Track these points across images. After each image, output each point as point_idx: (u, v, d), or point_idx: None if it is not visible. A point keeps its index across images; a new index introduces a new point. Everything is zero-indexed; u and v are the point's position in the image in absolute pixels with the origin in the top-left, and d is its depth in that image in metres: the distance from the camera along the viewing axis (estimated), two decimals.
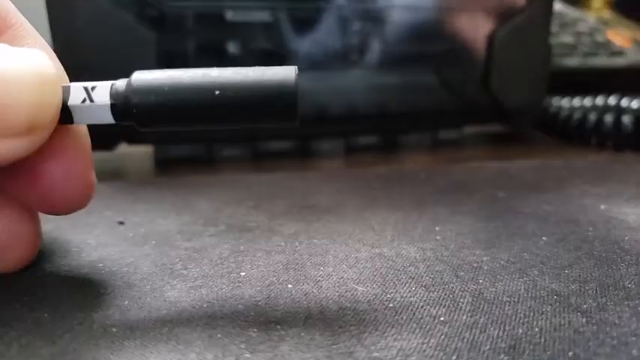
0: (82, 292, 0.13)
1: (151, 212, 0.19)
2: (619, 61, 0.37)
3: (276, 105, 0.12)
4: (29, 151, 0.12)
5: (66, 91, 0.12)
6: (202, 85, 0.12)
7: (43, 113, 0.11)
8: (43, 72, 0.11)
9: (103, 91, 0.12)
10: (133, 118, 0.12)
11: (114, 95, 0.12)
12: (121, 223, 0.18)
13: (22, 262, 0.14)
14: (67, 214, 0.14)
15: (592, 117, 0.30)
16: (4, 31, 0.13)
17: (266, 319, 0.11)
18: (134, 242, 0.16)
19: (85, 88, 0.12)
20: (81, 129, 0.13)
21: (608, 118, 0.29)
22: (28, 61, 0.11)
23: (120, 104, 0.12)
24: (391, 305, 0.12)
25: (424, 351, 0.10)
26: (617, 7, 0.47)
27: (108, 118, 0.12)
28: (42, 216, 0.14)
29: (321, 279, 0.13)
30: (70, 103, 0.12)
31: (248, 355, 0.10)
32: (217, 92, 0.11)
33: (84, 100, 0.12)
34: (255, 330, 0.11)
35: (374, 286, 0.13)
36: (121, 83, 0.12)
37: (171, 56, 0.25)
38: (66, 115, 0.12)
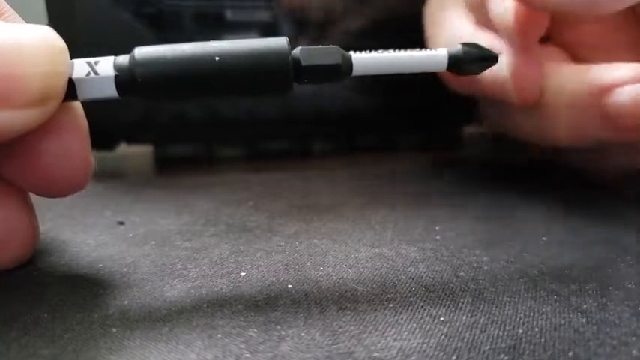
0: (82, 292, 0.13)
1: (151, 212, 0.19)
2: None
3: (272, 70, 0.12)
4: (40, 122, 0.12)
5: (70, 66, 0.12)
6: (203, 54, 0.12)
7: (54, 82, 0.12)
8: (53, 43, 0.12)
9: (106, 64, 0.12)
10: (137, 89, 0.12)
11: (117, 67, 0.12)
12: (121, 223, 0.18)
13: (20, 258, 0.14)
14: (65, 195, 0.14)
15: None
16: None
17: (266, 319, 0.11)
18: (134, 242, 0.16)
19: (89, 63, 0.12)
20: (78, 109, 0.13)
21: None
22: (38, 34, 0.12)
23: (124, 76, 0.12)
24: (391, 305, 0.12)
25: (424, 351, 0.10)
26: None
27: (112, 92, 0.12)
28: (41, 216, 0.14)
29: (321, 279, 0.13)
30: (74, 76, 0.12)
31: (248, 355, 0.10)
32: (217, 58, 0.12)
33: (88, 74, 0.12)
34: (255, 330, 0.11)
35: (374, 286, 0.13)
36: (123, 57, 0.12)
37: None
38: (70, 89, 0.12)
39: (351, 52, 0.13)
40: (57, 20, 0.23)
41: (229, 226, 0.17)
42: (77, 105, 0.13)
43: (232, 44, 0.12)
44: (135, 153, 0.31)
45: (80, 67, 0.12)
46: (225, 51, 0.12)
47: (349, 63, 0.13)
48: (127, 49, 0.12)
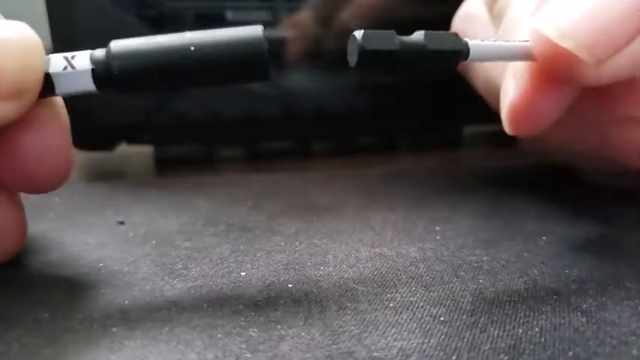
0: (82, 292, 0.13)
1: (151, 212, 0.19)
2: None
3: (248, 57, 0.12)
4: (15, 116, 0.12)
5: (46, 61, 0.12)
6: (178, 44, 0.12)
7: (28, 76, 0.12)
8: (26, 37, 0.12)
9: (83, 57, 0.12)
10: (114, 83, 0.12)
11: (94, 61, 0.12)
12: (121, 223, 0.18)
13: (11, 252, 0.14)
14: (47, 191, 0.14)
15: None
16: None
17: (266, 319, 0.11)
18: (134, 242, 0.16)
19: (65, 57, 0.12)
20: (59, 102, 0.14)
21: None
22: (12, 29, 0.12)
23: (101, 69, 0.12)
24: (391, 305, 0.12)
25: (424, 351, 0.10)
26: None
27: (89, 86, 0.12)
28: (41, 216, 0.14)
29: (322, 279, 0.13)
30: (51, 70, 0.12)
31: (248, 355, 0.10)
32: (193, 48, 0.12)
33: (65, 68, 0.12)
34: (255, 330, 0.11)
35: (374, 286, 0.13)
36: (100, 51, 0.12)
37: None
38: (47, 85, 0.12)
39: (467, 39, 0.13)
40: (57, 21, 0.23)
41: (229, 226, 0.17)
42: (58, 100, 0.13)
43: (207, 34, 0.12)
44: (135, 153, 0.31)
45: (57, 62, 0.12)
46: (200, 41, 0.12)
47: (467, 50, 0.13)
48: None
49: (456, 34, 0.13)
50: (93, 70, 0.12)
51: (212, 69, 0.12)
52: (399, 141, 0.31)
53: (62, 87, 0.12)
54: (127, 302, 0.12)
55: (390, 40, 0.12)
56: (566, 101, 0.15)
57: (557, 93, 0.14)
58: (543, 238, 0.16)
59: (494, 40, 0.14)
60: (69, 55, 0.12)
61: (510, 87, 0.15)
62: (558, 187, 0.21)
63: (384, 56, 0.12)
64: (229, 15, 0.26)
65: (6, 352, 0.10)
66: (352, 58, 0.12)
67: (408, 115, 0.30)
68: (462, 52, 0.13)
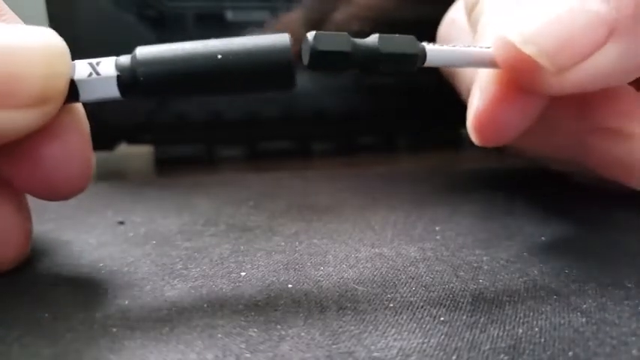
0: (83, 292, 0.13)
1: (151, 212, 0.19)
2: None
3: (274, 65, 0.12)
4: (41, 124, 0.12)
5: (71, 67, 0.12)
6: (205, 52, 0.12)
7: (54, 83, 0.12)
8: (52, 44, 0.12)
9: (108, 64, 0.12)
10: (139, 89, 0.12)
11: (119, 68, 0.12)
12: (121, 223, 0.18)
13: (12, 262, 0.14)
14: (66, 198, 0.14)
15: None
16: None
17: (266, 319, 0.12)
18: (134, 242, 0.16)
19: (90, 64, 0.12)
20: (81, 111, 0.13)
21: None
22: (38, 35, 0.12)
23: (126, 76, 0.12)
24: (391, 305, 0.12)
25: (424, 351, 0.10)
26: None
27: (114, 92, 0.12)
28: (41, 216, 0.14)
29: (322, 279, 0.13)
30: (75, 77, 0.12)
31: (248, 355, 0.10)
32: (219, 56, 0.12)
33: (90, 75, 0.12)
34: (255, 330, 0.11)
35: (374, 285, 0.13)
36: (125, 57, 0.12)
37: None
38: (72, 91, 0.12)
39: (424, 43, 0.13)
40: (57, 21, 0.23)
41: (229, 226, 0.17)
42: (79, 107, 0.13)
43: (234, 41, 0.12)
44: (135, 153, 0.31)
45: (82, 68, 0.12)
46: (226, 48, 0.12)
47: (424, 54, 0.13)
48: (128, 51, 0.12)
49: (412, 38, 0.13)
50: (118, 76, 0.12)
51: (237, 77, 0.12)
52: (399, 141, 0.31)
53: (86, 94, 0.12)
54: (127, 302, 0.12)
55: (342, 41, 0.12)
56: (534, 111, 0.15)
57: (522, 102, 0.14)
58: (543, 238, 0.16)
59: (454, 46, 0.13)
60: (94, 61, 0.12)
61: (475, 96, 0.15)
62: (558, 187, 0.21)
63: (336, 57, 0.12)
64: (229, 15, 0.26)
65: (7, 352, 0.10)
66: (305, 58, 0.12)
67: (408, 115, 0.30)
68: (416, 55, 0.13)
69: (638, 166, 0.14)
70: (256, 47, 0.12)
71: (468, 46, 0.14)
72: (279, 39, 0.12)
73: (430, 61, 0.13)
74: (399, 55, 0.13)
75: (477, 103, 0.15)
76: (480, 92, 0.15)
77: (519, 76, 0.13)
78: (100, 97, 0.12)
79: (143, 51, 0.12)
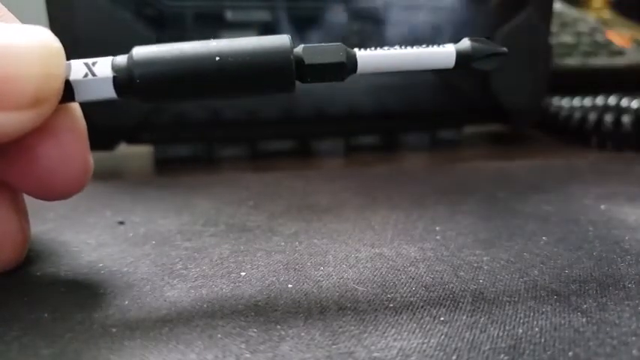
0: (82, 292, 0.13)
1: (151, 212, 0.19)
2: (619, 61, 0.37)
3: (274, 68, 0.12)
4: (35, 125, 0.12)
5: (67, 67, 0.12)
6: (203, 53, 0.12)
7: (49, 84, 0.11)
8: (48, 44, 0.11)
9: (104, 64, 0.12)
10: (135, 91, 0.12)
11: (115, 68, 0.12)
12: (121, 223, 0.18)
13: (9, 263, 0.14)
14: (64, 198, 0.14)
15: (592, 117, 0.30)
16: None
17: (266, 319, 0.11)
18: (134, 242, 0.16)
19: (86, 64, 0.12)
20: (77, 110, 0.13)
21: (608, 118, 0.29)
22: (33, 35, 0.11)
23: (122, 77, 0.12)
24: (391, 305, 0.12)
25: (424, 351, 0.10)
26: (617, 7, 0.47)
27: (110, 93, 0.12)
28: (41, 216, 0.14)
29: (321, 279, 0.13)
30: (71, 77, 0.12)
31: (248, 355, 0.10)
32: (218, 58, 0.12)
33: (85, 75, 0.12)
34: (255, 330, 0.11)
35: (374, 286, 0.13)
36: (121, 57, 0.12)
37: None
38: (67, 91, 0.12)
39: (356, 49, 0.13)
40: (57, 20, 0.23)
41: (229, 226, 0.17)
42: (75, 106, 0.13)
43: (233, 42, 0.12)
44: (135, 153, 0.31)
45: (77, 69, 0.12)
46: (226, 50, 0.12)
47: (354, 61, 0.12)
48: (127, 50, 0.12)
49: (339, 45, 0.12)
50: (114, 77, 0.12)
51: (237, 80, 0.12)
52: (399, 141, 0.31)
53: (82, 94, 0.12)
54: (126, 302, 0.12)
55: None
56: None
57: None
58: (543, 238, 0.16)
59: (387, 49, 0.13)
60: (89, 61, 0.12)
61: None
62: (558, 186, 0.21)
63: None
64: (229, 15, 0.26)
65: (6, 352, 0.10)
66: None
67: (408, 115, 0.30)
68: (343, 64, 0.12)
69: None
70: (256, 48, 0.12)
71: (406, 47, 0.13)
72: (279, 40, 0.12)
73: (363, 68, 0.13)
74: (323, 66, 0.12)
75: None
76: None
77: None
78: (96, 98, 0.12)
79: (140, 51, 0.12)
